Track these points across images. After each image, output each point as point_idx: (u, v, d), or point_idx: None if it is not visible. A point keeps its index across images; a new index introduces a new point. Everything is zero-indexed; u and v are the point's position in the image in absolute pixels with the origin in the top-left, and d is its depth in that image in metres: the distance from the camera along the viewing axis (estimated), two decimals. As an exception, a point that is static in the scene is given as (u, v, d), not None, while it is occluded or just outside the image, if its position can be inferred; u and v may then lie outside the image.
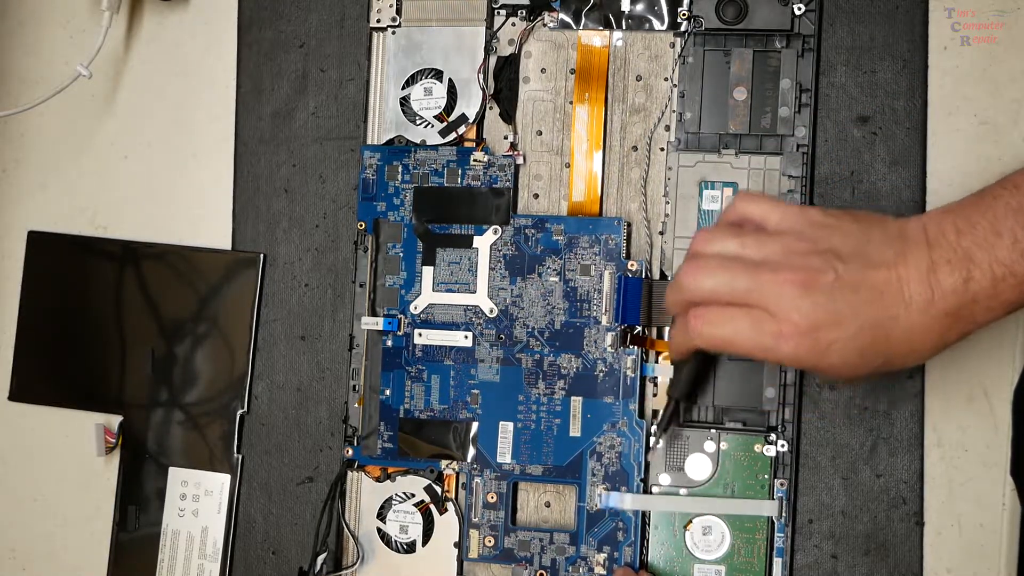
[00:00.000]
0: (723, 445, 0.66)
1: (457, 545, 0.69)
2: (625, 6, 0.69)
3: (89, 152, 0.77)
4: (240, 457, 0.73)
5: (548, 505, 0.69)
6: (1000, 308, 0.52)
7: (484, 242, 0.70)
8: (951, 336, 0.53)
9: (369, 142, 0.72)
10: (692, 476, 0.67)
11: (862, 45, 0.67)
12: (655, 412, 0.68)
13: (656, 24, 0.69)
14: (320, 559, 0.69)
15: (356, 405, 0.71)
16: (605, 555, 0.67)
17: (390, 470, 0.70)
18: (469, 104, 0.71)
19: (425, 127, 0.71)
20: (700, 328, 0.56)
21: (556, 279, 0.69)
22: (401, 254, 0.71)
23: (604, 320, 0.68)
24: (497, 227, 0.69)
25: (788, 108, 0.67)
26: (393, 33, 0.72)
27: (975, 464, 0.64)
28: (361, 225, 0.71)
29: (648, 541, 0.67)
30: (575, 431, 0.68)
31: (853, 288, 0.53)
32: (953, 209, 0.54)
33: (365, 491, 0.71)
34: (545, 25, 0.71)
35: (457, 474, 0.70)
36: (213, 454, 0.73)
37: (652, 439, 0.66)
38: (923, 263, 0.53)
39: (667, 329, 0.67)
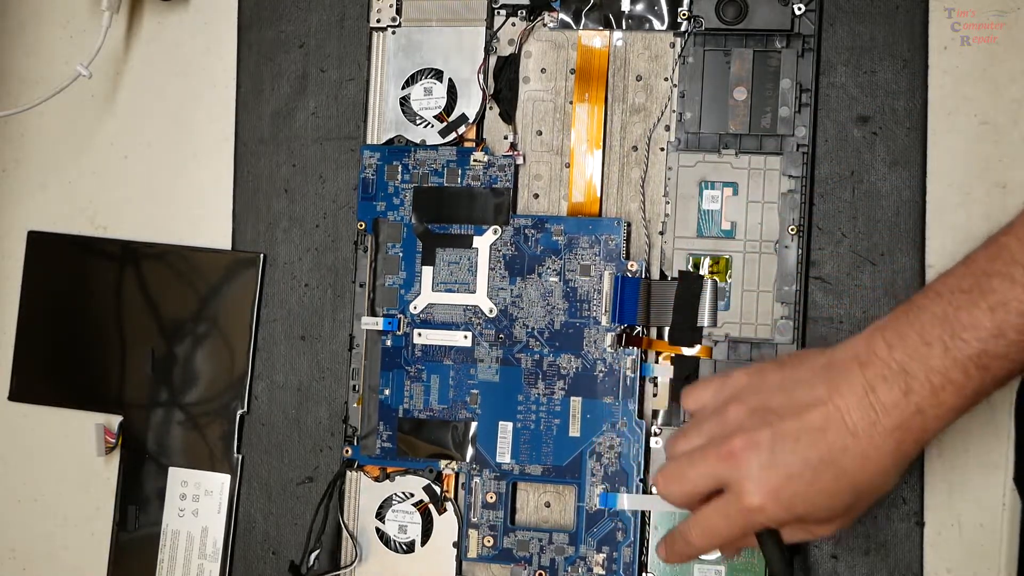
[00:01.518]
0: (723, 445, 0.66)
1: (456, 545, 0.69)
2: (625, 6, 0.69)
3: (89, 152, 0.77)
4: (240, 457, 0.73)
5: (548, 505, 0.69)
6: (948, 414, 0.52)
7: (484, 242, 0.70)
8: (906, 449, 0.52)
9: (369, 142, 0.72)
10: (692, 476, 0.67)
11: (862, 45, 0.67)
12: (655, 412, 0.68)
13: (656, 24, 0.69)
14: (312, 555, 0.69)
15: (355, 405, 0.71)
16: (604, 555, 0.67)
17: (389, 470, 0.70)
18: (469, 104, 0.71)
19: (425, 127, 0.71)
20: (693, 539, 0.57)
21: (556, 279, 0.69)
22: (400, 254, 0.71)
23: (604, 320, 0.68)
24: (497, 227, 0.69)
25: (788, 108, 0.67)
26: (393, 33, 0.72)
27: (975, 464, 0.64)
28: (361, 225, 0.71)
29: (648, 541, 0.67)
30: (575, 431, 0.68)
31: (793, 437, 0.53)
32: (882, 325, 0.53)
33: (364, 491, 0.71)
34: (545, 25, 0.70)
35: (456, 474, 0.70)
36: (213, 454, 0.73)
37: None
38: (858, 387, 0.52)
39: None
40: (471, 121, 0.71)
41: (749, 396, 0.56)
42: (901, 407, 0.51)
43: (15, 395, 0.77)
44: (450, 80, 0.71)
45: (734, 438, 0.54)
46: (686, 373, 0.67)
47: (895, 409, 0.51)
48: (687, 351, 0.67)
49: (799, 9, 0.67)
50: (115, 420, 0.75)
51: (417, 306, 0.70)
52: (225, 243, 0.74)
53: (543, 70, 0.70)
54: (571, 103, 0.70)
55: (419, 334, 0.70)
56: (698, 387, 0.60)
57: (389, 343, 0.71)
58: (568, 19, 0.70)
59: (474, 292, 0.70)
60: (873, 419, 0.52)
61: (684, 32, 0.68)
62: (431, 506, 0.70)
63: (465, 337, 0.69)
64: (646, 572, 0.67)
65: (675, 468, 0.57)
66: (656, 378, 0.68)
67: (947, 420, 0.52)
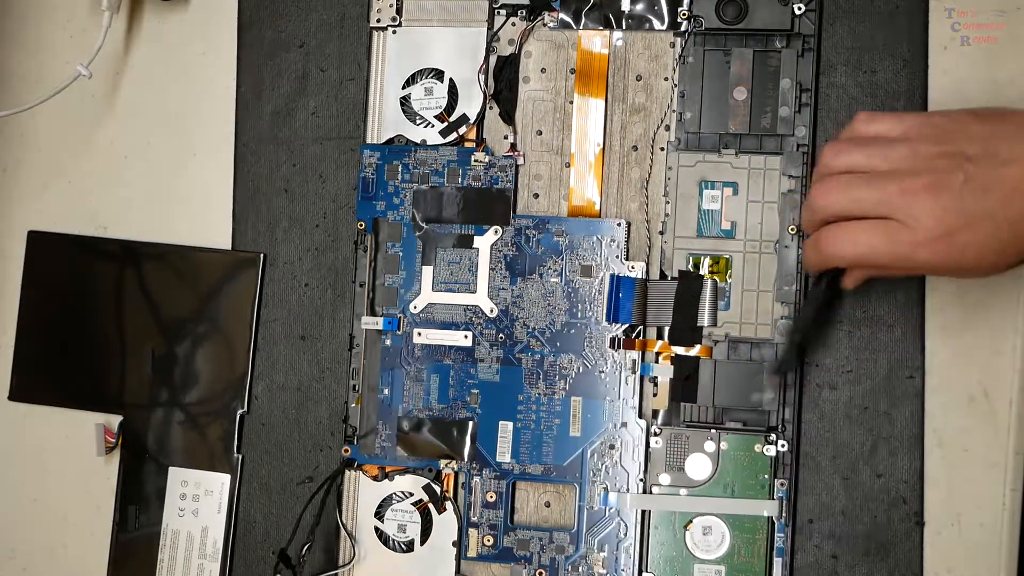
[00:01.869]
0: (723, 445, 0.66)
1: (456, 544, 0.69)
2: (625, 6, 0.69)
3: (89, 152, 0.77)
4: (240, 457, 0.73)
5: (548, 505, 0.69)
6: None
7: (484, 242, 0.70)
8: None
9: (369, 141, 0.72)
10: (692, 476, 0.67)
11: (862, 45, 0.67)
12: (655, 412, 0.68)
13: (656, 24, 0.69)
14: (304, 548, 0.69)
15: (354, 405, 0.71)
16: (605, 555, 0.67)
17: (388, 469, 0.70)
18: (470, 104, 0.71)
19: (425, 127, 0.71)
20: (833, 247, 0.56)
21: (557, 280, 0.69)
22: (400, 253, 0.71)
23: (603, 320, 0.68)
24: (498, 227, 0.69)
25: (788, 108, 0.67)
26: (393, 33, 0.72)
27: (975, 464, 0.64)
28: (361, 225, 0.71)
29: (648, 541, 0.67)
30: (575, 431, 0.68)
31: (984, 188, 0.53)
32: None
33: (363, 490, 0.71)
34: (545, 25, 0.71)
35: (456, 473, 0.70)
36: (213, 454, 0.73)
37: (767, 376, 0.65)
38: None
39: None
40: (472, 121, 0.71)
41: (945, 138, 0.55)
42: None
43: (15, 395, 0.77)
44: (451, 80, 0.71)
45: (923, 175, 0.54)
46: (686, 373, 0.67)
47: None
48: (687, 351, 0.67)
49: (799, 9, 0.67)
50: (115, 420, 0.75)
51: (417, 306, 0.70)
52: (225, 243, 0.74)
53: (543, 70, 0.70)
54: (571, 103, 0.70)
55: (419, 334, 0.70)
56: (883, 114, 0.58)
57: (389, 343, 0.71)
58: (568, 19, 0.70)
59: (474, 292, 0.70)
60: None
61: (684, 32, 0.68)
62: (430, 505, 0.70)
63: (465, 337, 0.69)
64: (646, 572, 0.67)
65: (845, 182, 0.56)
66: (656, 378, 0.68)
67: None
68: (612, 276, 0.68)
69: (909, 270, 0.57)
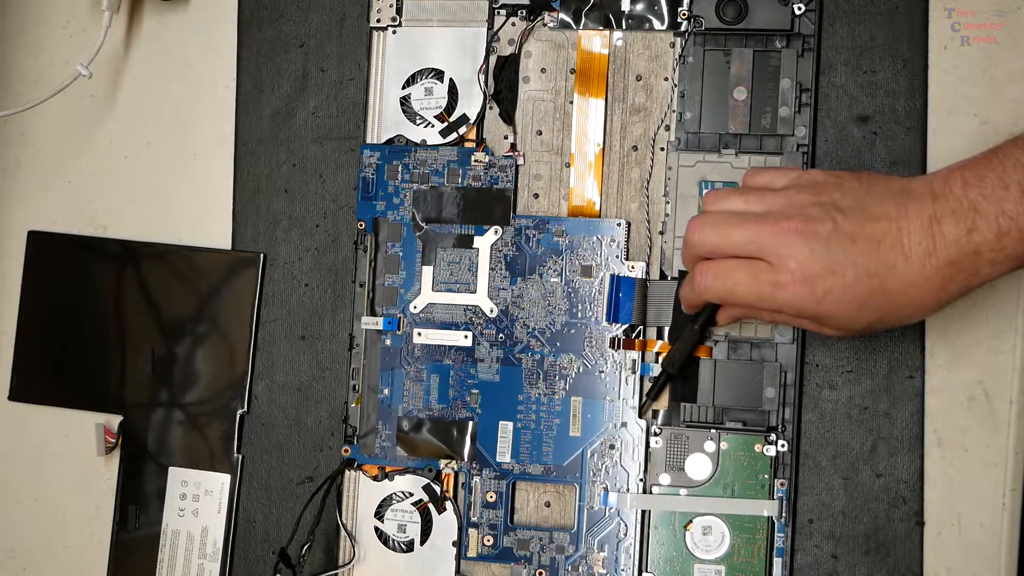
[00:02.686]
0: (723, 445, 0.66)
1: (456, 544, 0.69)
2: (625, 6, 0.69)
3: (89, 152, 0.77)
4: (240, 457, 0.73)
5: (548, 505, 0.69)
6: (1004, 262, 0.53)
7: (484, 242, 0.70)
8: (952, 288, 0.54)
9: (369, 141, 0.72)
10: (692, 476, 0.67)
11: (862, 45, 0.67)
12: (655, 412, 0.68)
13: (656, 24, 0.69)
14: (303, 548, 0.69)
15: (354, 405, 0.71)
16: (605, 555, 0.67)
17: (388, 469, 0.70)
18: (470, 104, 0.71)
19: (425, 127, 0.71)
20: (703, 282, 0.59)
21: (557, 280, 0.69)
22: (400, 253, 0.71)
23: (603, 320, 0.68)
24: (497, 227, 0.70)
25: (788, 108, 0.67)
26: (393, 33, 0.72)
27: (975, 464, 0.64)
28: (361, 224, 0.71)
29: (648, 541, 0.67)
30: (575, 431, 0.68)
31: (851, 238, 0.54)
32: (962, 164, 0.54)
33: (363, 490, 0.71)
34: (545, 25, 0.71)
35: (456, 473, 0.70)
36: (213, 454, 0.73)
37: (640, 413, 0.67)
38: (925, 215, 0.53)
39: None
40: (472, 121, 0.71)
41: (821, 189, 0.57)
42: (961, 243, 0.52)
43: (15, 395, 0.77)
44: (451, 80, 0.71)
45: (794, 218, 0.56)
46: (686, 373, 0.67)
47: (954, 245, 0.52)
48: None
49: (799, 9, 0.67)
50: (115, 420, 0.75)
51: (417, 306, 0.70)
52: (225, 243, 0.74)
53: (543, 70, 0.70)
54: (571, 103, 0.70)
55: (419, 334, 0.70)
56: (769, 169, 0.61)
57: (389, 343, 0.71)
58: (568, 19, 0.70)
59: (474, 292, 0.70)
60: (930, 249, 0.53)
61: (684, 32, 0.68)
62: (430, 505, 0.70)
63: (465, 337, 0.69)
64: (646, 572, 0.67)
65: (720, 220, 0.58)
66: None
67: (1000, 270, 0.53)
68: (612, 276, 0.68)
69: (773, 312, 0.58)
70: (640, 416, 0.67)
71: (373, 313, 0.71)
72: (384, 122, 0.72)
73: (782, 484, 0.66)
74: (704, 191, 0.62)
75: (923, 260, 0.53)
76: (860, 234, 0.54)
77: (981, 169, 0.53)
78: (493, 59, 0.71)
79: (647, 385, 0.68)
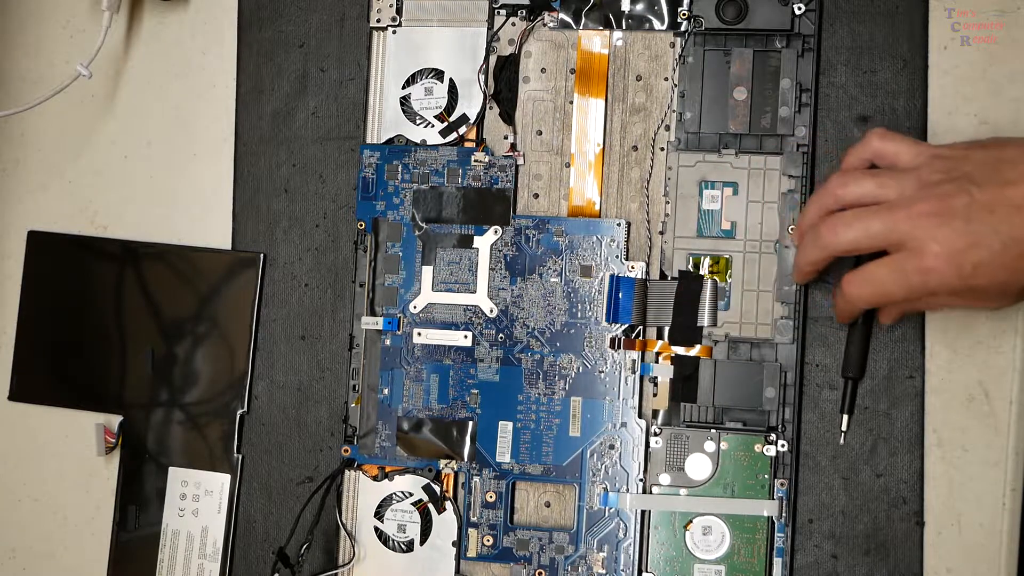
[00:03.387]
0: (723, 445, 0.66)
1: (455, 544, 0.69)
2: (625, 6, 0.69)
3: (89, 152, 0.77)
4: (240, 457, 0.73)
5: (548, 505, 0.69)
6: None
7: (484, 242, 0.70)
8: None
9: (369, 141, 0.72)
10: (692, 476, 0.67)
11: (862, 45, 0.67)
12: (655, 412, 0.68)
13: (656, 24, 0.69)
14: (302, 547, 0.69)
15: (354, 405, 0.71)
16: (604, 555, 0.67)
17: (388, 469, 0.70)
18: (470, 104, 0.71)
19: (425, 127, 0.71)
20: (853, 292, 0.58)
21: (557, 280, 0.69)
22: (400, 253, 0.71)
23: (603, 320, 0.68)
24: (497, 227, 0.70)
25: (788, 108, 0.67)
26: (393, 33, 0.72)
27: (975, 464, 0.64)
28: (361, 224, 0.71)
29: (648, 541, 0.67)
30: (575, 431, 0.68)
31: (989, 208, 0.54)
32: None
33: (363, 490, 0.71)
34: (545, 25, 0.71)
35: (456, 473, 0.70)
36: (213, 454, 0.73)
37: (843, 426, 0.66)
38: None
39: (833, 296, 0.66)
40: (472, 121, 0.71)
41: (950, 166, 0.56)
42: None
43: (15, 395, 0.77)
44: (451, 80, 0.71)
45: (928, 200, 0.55)
46: (686, 373, 0.67)
47: None
48: (687, 351, 0.67)
49: (799, 9, 0.67)
50: (115, 420, 0.75)
51: (417, 306, 0.70)
52: (225, 243, 0.74)
53: (543, 70, 0.70)
54: (571, 103, 0.70)
55: (419, 333, 0.70)
56: (891, 135, 0.60)
57: (389, 343, 0.71)
58: (568, 19, 0.70)
59: (474, 292, 0.70)
60: None
61: (684, 32, 0.68)
62: (430, 505, 0.70)
63: (465, 337, 0.69)
64: (646, 572, 0.67)
65: (853, 217, 0.57)
66: (656, 378, 0.68)
67: None
68: (612, 276, 0.68)
69: (929, 300, 0.58)
70: (846, 429, 0.66)
71: (373, 313, 0.71)
72: (384, 122, 0.72)
73: (782, 484, 0.66)
74: (827, 178, 0.60)
75: None
76: (998, 202, 0.54)
77: None
78: (493, 59, 0.71)
79: (648, 386, 0.68)
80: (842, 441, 0.66)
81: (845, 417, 0.65)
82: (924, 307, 0.63)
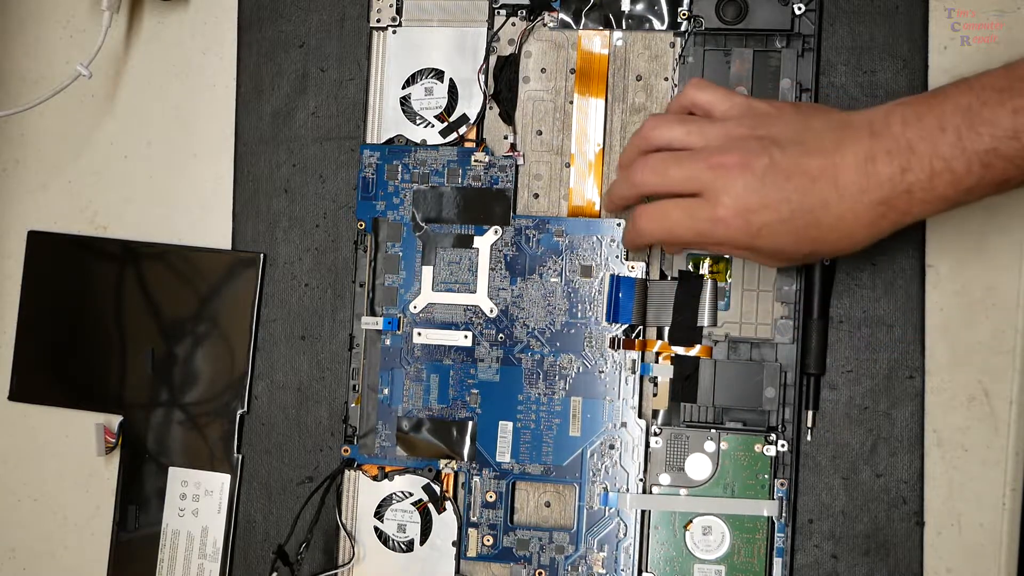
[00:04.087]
0: (723, 445, 0.66)
1: (455, 544, 0.69)
2: (625, 6, 0.69)
3: (89, 152, 0.77)
4: (240, 457, 0.73)
5: (548, 505, 0.69)
6: (935, 202, 0.53)
7: (484, 242, 0.70)
8: (883, 225, 0.55)
9: (369, 141, 0.72)
10: (692, 476, 0.67)
11: (862, 45, 0.67)
12: (655, 412, 0.68)
13: (656, 24, 0.69)
14: (302, 546, 0.69)
15: (354, 405, 0.71)
16: (604, 555, 0.67)
17: (388, 469, 0.70)
18: (470, 104, 0.71)
19: (425, 127, 0.71)
20: (643, 225, 0.60)
21: (557, 280, 0.69)
22: (400, 253, 0.71)
23: (603, 320, 0.68)
24: (497, 227, 0.70)
25: (788, 108, 0.67)
26: (393, 33, 0.72)
27: (975, 464, 0.64)
28: (361, 224, 0.71)
29: (648, 541, 0.67)
30: (575, 431, 0.68)
31: (786, 175, 0.55)
32: (904, 101, 0.55)
33: (363, 490, 0.71)
34: (545, 25, 0.71)
35: (456, 473, 0.70)
36: (213, 454, 0.73)
37: (809, 423, 0.67)
38: (861, 152, 0.54)
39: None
40: (472, 121, 0.71)
41: (760, 123, 0.58)
42: (894, 182, 0.53)
43: (15, 395, 0.77)
44: (451, 80, 0.71)
45: (731, 152, 0.56)
46: (686, 373, 0.67)
47: (888, 183, 0.53)
48: (687, 351, 0.67)
49: (799, 9, 0.67)
50: (115, 420, 0.75)
51: (417, 306, 0.70)
52: (225, 243, 0.74)
53: (543, 70, 0.70)
54: (571, 103, 0.70)
55: (419, 334, 0.70)
56: (709, 86, 0.61)
57: (389, 343, 0.71)
58: (568, 19, 0.70)
59: (474, 292, 0.70)
60: (863, 186, 0.54)
61: (684, 32, 0.68)
62: (430, 505, 0.70)
63: (465, 337, 0.69)
64: (646, 572, 0.67)
65: (659, 160, 0.59)
66: (656, 378, 0.68)
67: (931, 210, 0.54)
68: (612, 276, 0.68)
69: (713, 247, 0.59)
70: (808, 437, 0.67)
71: (373, 313, 0.71)
72: (384, 122, 0.72)
73: (782, 484, 0.66)
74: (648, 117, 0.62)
75: (856, 197, 0.54)
76: (795, 170, 0.55)
77: (921, 108, 0.54)
78: (493, 59, 0.71)
79: (648, 386, 0.68)
80: (808, 438, 0.66)
81: (810, 413, 0.66)
82: (710, 252, 0.65)
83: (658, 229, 0.59)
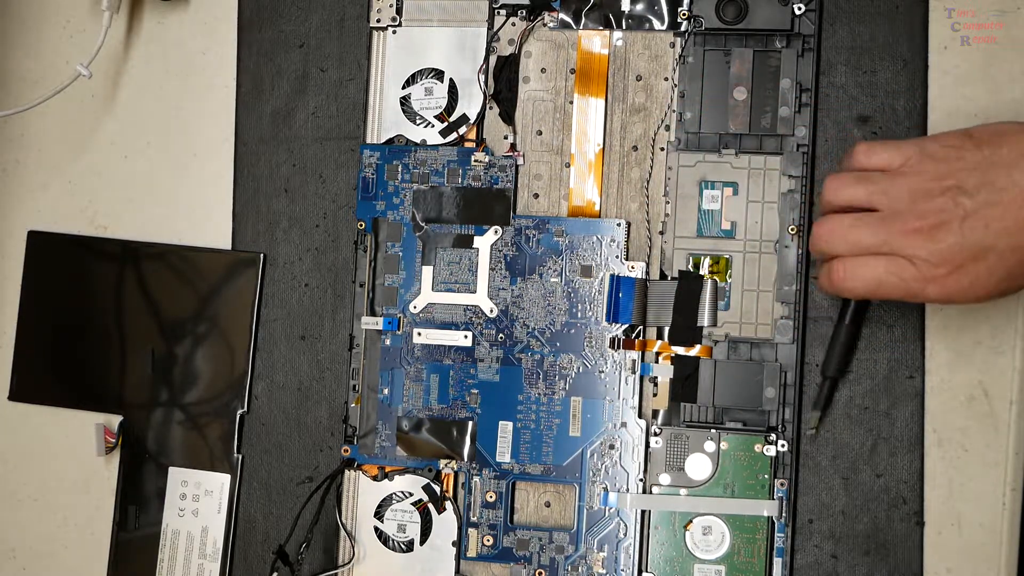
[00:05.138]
0: (723, 445, 0.66)
1: (455, 544, 0.69)
2: (625, 6, 0.69)
3: (89, 152, 0.77)
4: (240, 457, 0.73)
5: (548, 505, 0.69)
6: None
7: (484, 242, 0.70)
8: None
9: (369, 141, 0.72)
10: (692, 476, 0.67)
11: (862, 45, 0.67)
12: (655, 412, 0.68)
13: (656, 24, 0.69)
14: (302, 546, 0.69)
15: (354, 405, 0.71)
16: (605, 555, 0.67)
17: (388, 469, 0.70)
18: (470, 104, 0.71)
19: (425, 127, 0.71)
20: (843, 281, 0.58)
21: (557, 280, 0.69)
22: (400, 253, 0.71)
23: (603, 320, 0.68)
24: (497, 227, 0.70)
25: (788, 108, 0.67)
26: (393, 33, 0.72)
27: (975, 464, 0.64)
28: (361, 224, 0.71)
29: (648, 541, 0.67)
30: (575, 431, 0.68)
31: (984, 223, 0.54)
32: None
33: (363, 490, 0.71)
34: (545, 25, 0.71)
35: (456, 473, 0.70)
36: (213, 454, 0.73)
37: (811, 422, 0.66)
38: None
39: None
40: (472, 121, 0.71)
41: (943, 171, 0.56)
42: None
43: (15, 395, 0.77)
44: (451, 80, 0.71)
45: (923, 216, 0.55)
46: (686, 373, 0.67)
47: None
48: (687, 351, 0.67)
49: (799, 9, 0.67)
50: (115, 420, 0.75)
51: (417, 306, 0.70)
52: (225, 243, 0.74)
53: (543, 70, 0.70)
54: (571, 103, 0.70)
55: (419, 334, 0.70)
56: (882, 144, 0.58)
57: (389, 343, 0.71)
58: (568, 19, 0.70)
59: (474, 292, 0.70)
60: None
61: (684, 32, 0.68)
62: (430, 505, 0.70)
63: (465, 337, 0.69)
64: (646, 572, 0.67)
65: (845, 226, 0.57)
66: (656, 378, 0.68)
67: None
68: (612, 276, 0.68)
69: (922, 301, 0.59)
70: (815, 431, 0.66)
71: (373, 313, 0.71)
72: (384, 122, 0.72)
73: (782, 484, 0.66)
74: (825, 181, 0.59)
75: None
76: (992, 216, 0.54)
77: None
78: (493, 59, 0.71)
79: (648, 386, 0.68)
80: (809, 429, 0.66)
81: (817, 414, 0.65)
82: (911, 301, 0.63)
83: (861, 288, 0.57)
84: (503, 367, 0.69)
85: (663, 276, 0.68)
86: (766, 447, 0.66)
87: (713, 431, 0.66)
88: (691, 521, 0.67)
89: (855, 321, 0.65)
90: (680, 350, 0.67)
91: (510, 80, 0.70)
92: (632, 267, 0.68)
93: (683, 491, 0.67)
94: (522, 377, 0.69)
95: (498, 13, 0.71)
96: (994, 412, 0.64)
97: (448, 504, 0.69)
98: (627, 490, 0.67)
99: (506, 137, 0.71)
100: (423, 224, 0.70)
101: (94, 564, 0.75)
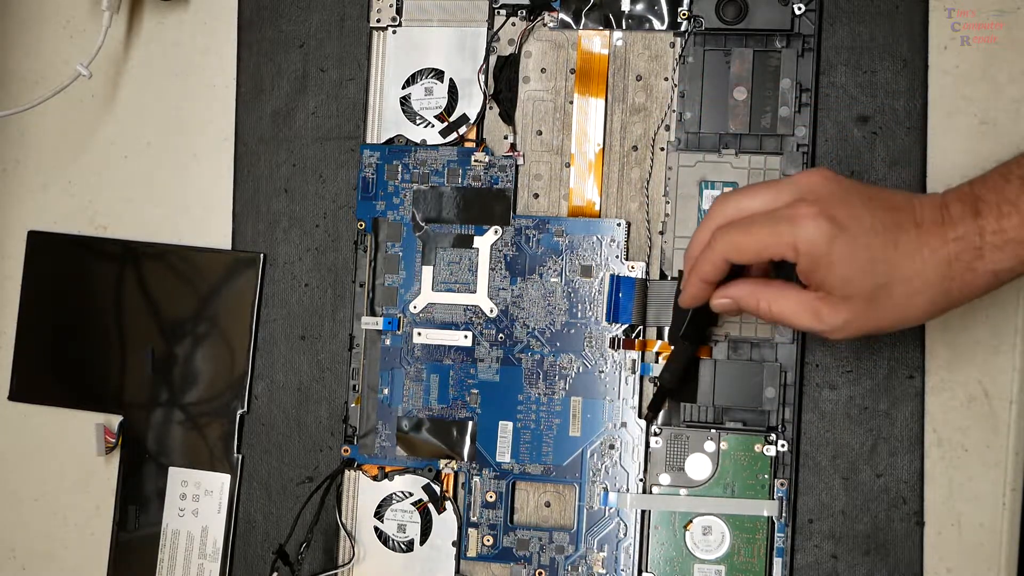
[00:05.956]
0: (723, 445, 0.66)
1: (455, 544, 0.69)
2: (625, 6, 0.69)
3: (89, 152, 0.77)
4: (240, 457, 0.73)
5: (548, 505, 0.69)
6: (1006, 247, 0.54)
7: (484, 242, 0.70)
8: (955, 276, 0.54)
9: (369, 141, 0.72)
10: (692, 476, 0.67)
11: (862, 45, 0.67)
12: (654, 410, 0.68)
13: (656, 24, 0.69)
14: (302, 546, 0.69)
15: (354, 405, 0.71)
16: (605, 555, 0.67)
17: (388, 469, 0.70)
18: (470, 104, 0.71)
19: (425, 127, 0.71)
20: (720, 234, 0.58)
21: (557, 280, 0.69)
22: (400, 253, 0.71)
23: (603, 320, 0.68)
24: (497, 227, 0.70)
25: (788, 108, 0.67)
26: (393, 33, 0.72)
27: (975, 464, 0.64)
28: (361, 224, 0.71)
29: (648, 541, 0.67)
30: (575, 431, 0.68)
31: (867, 197, 0.56)
32: (970, 180, 0.56)
33: (363, 490, 0.71)
34: (545, 25, 0.71)
35: (456, 473, 0.70)
36: (213, 454, 0.73)
37: (646, 417, 0.67)
38: (936, 199, 0.55)
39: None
40: (472, 121, 0.71)
41: (824, 202, 0.56)
42: (967, 223, 0.54)
43: (15, 395, 0.77)
44: (451, 80, 0.71)
45: (813, 204, 0.55)
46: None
47: (961, 223, 0.54)
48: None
49: (799, 9, 0.67)
50: (115, 420, 0.75)
51: (417, 306, 0.70)
52: (225, 243, 0.74)
53: (543, 70, 0.70)
54: (571, 103, 0.70)
55: (419, 334, 0.70)
56: (753, 187, 0.59)
57: (389, 343, 0.71)
58: (568, 19, 0.70)
59: (474, 292, 0.70)
60: (939, 221, 0.54)
61: (684, 32, 0.68)
62: (430, 505, 0.70)
63: (465, 337, 0.69)
64: (646, 572, 0.67)
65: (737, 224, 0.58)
66: (656, 378, 0.68)
67: (1000, 256, 0.54)
68: (612, 276, 0.68)
69: (805, 259, 0.58)
70: (640, 418, 0.67)
71: (373, 313, 0.71)
72: (384, 122, 0.72)
73: (782, 484, 0.66)
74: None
75: (932, 230, 0.54)
76: (877, 198, 0.55)
77: (985, 174, 0.55)
78: (493, 59, 0.71)
79: (648, 386, 0.68)
80: (638, 418, 0.67)
81: (650, 415, 0.66)
82: (759, 312, 0.60)
83: (736, 232, 0.57)
84: (503, 367, 0.69)
85: (663, 276, 0.68)
86: (766, 447, 0.66)
87: (713, 431, 0.66)
88: (691, 521, 0.67)
89: (692, 335, 0.65)
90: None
91: (510, 80, 0.70)
92: (632, 267, 0.68)
93: (683, 491, 0.67)
94: (522, 377, 0.69)
95: (498, 13, 0.71)
96: (994, 412, 0.64)
97: (448, 504, 0.69)
98: (627, 490, 0.67)
99: (506, 137, 0.71)
100: (423, 224, 0.70)
101: (94, 564, 0.75)
